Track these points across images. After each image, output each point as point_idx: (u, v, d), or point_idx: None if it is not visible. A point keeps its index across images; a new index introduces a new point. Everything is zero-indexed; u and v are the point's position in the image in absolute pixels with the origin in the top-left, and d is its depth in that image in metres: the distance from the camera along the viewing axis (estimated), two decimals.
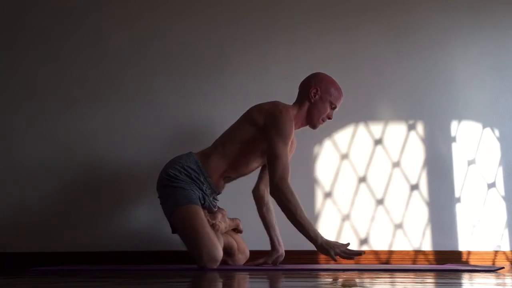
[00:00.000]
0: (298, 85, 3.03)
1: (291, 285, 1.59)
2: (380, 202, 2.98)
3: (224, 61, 3.11)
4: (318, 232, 2.41)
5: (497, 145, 3.04)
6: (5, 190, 2.98)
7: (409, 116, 3.06)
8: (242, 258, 2.66)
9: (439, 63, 3.11)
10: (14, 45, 3.13)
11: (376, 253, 2.91)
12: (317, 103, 2.58)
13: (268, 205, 2.69)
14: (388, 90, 3.09)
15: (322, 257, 2.87)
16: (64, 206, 2.96)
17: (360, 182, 3.00)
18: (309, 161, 3.01)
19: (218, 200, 2.65)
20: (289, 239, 2.87)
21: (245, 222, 2.77)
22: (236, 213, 2.76)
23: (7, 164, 3.01)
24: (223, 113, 3.05)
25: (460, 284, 1.65)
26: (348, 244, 2.39)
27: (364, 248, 2.92)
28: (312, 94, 2.57)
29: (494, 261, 2.91)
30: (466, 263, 2.88)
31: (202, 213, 2.44)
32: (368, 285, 1.61)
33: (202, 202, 2.51)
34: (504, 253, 2.93)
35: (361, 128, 3.05)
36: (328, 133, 3.03)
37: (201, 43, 3.13)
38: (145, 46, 3.12)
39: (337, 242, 2.42)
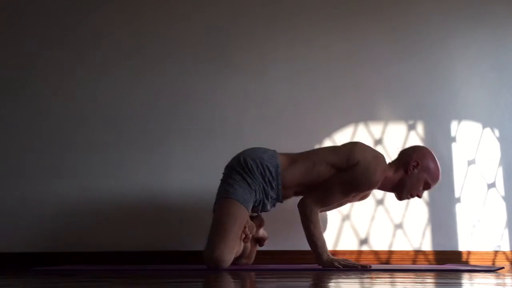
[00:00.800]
0: (299, 85, 3.05)
1: (291, 285, 1.59)
2: (380, 202, 2.98)
3: (224, 61, 3.11)
4: (327, 252, 2.43)
5: (497, 145, 3.04)
6: (5, 190, 2.98)
7: (409, 116, 3.06)
8: (245, 262, 2.66)
9: (439, 63, 3.12)
10: (14, 45, 3.12)
11: (376, 253, 2.91)
12: (413, 177, 2.49)
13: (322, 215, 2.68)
14: (388, 90, 3.09)
15: None
16: (64, 206, 2.96)
17: None
18: None
19: (274, 206, 2.61)
20: (289, 239, 2.88)
21: None
22: None
23: (7, 164, 3.01)
24: (223, 112, 3.05)
25: (460, 284, 1.65)
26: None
27: (364, 248, 2.92)
28: (411, 166, 2.48)
29: (494, 261, 2.91)
30: (466, 263, 2.88)
31: (244, 220, 2.42)
32: (368, 285, 1.61)
33: (256, 205, 2.49)
34: (504, 253, 2.93)
35: (361, 128, 3.05)
36: (328, 133, 3.03)
37: (201, 43, 3.13)
38: (144, 46, 3.12)
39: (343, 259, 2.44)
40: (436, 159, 2.53)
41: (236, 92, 3.08)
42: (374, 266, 2.46)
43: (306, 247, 2.71)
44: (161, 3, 3.17)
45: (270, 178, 2.47)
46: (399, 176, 2.51)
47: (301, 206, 2.47)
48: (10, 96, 3.08)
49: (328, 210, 2.72)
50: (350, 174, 2.43)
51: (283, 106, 3.06)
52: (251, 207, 2.45)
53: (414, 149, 2.56)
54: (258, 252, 2.83)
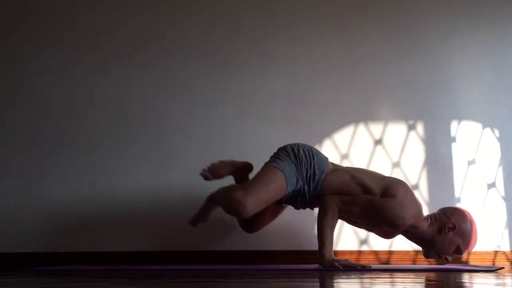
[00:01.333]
0: (299, 84, 3.05)
1: (291, 285, 1.59)
2: None
3: (223, 60, 3.11)
4: (331, 253, 2.40)
5: (497, 145, 3.04)
6: (5, 190, 2.98)
7: (409, 116, 3.06)
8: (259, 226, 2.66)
9: (438, 62, 3.11)
10: (13, 44, 3.13)
11: (376, 253, 2.90)
12: (446, 239, 2.42)
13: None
14: (388, 90, 3.09)
15: None
16: (65, 206, 2.96)
17: None
18: None
19: (303, 209, 2.58)
20: (289, 239, 2.88)
21: None
22: None
23: (7, 164, 3.01)
24: (223, 112, 3.05)
25: (460, 284, 1.65)
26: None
27: (364, 248, 2.92)
28: (446, 228, 2.41)
29: (494, 261, 2.91)
30: (466, 263, 2.88)
31: (280, 194, 2.41)
32: (368, 285, 1.61)
33: (294, 195, 2.47)
34: (504, 253, 2.92)
35: (361, 128, 3.05)
36: (328, 133, 3.03)
37: (201, 42, 3.13)
38: (144, 44, 3.12)
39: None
40: (476, 226, 2.45)
41: (236, 90, 3.08)
42: (374, 266, 2.46)
43: (306, 247, 2.73)
44: (161, 1, 3.17)
45: (312, 178, 2.46)
46: (431, 232, 2.44)
47: (326, 202, 2.43)
48: (9, 96, 3.08)
49: (348, 221, 2.63)
50: (381, 202, 2.39)
51: (283, 105, 3.06)
52: (291, 189, 2.43)
53: (455, 210, 2.48)
54: (258, 252, 2.84)
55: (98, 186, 2.98)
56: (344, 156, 3.02)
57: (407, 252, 2.91)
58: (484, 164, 3.02)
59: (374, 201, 2.41)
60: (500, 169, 3.02)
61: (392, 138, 3.04)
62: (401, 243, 2.92)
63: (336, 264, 2.35)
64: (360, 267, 2.33)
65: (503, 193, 2.99)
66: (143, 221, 2.93)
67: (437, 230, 2.43)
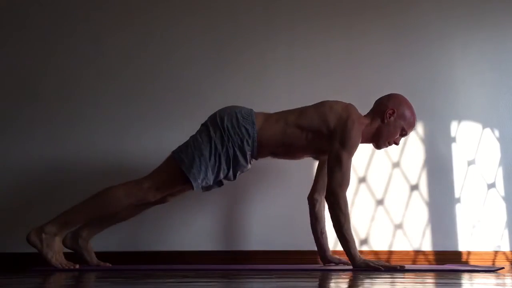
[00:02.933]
0: (299, 85, 3.04)
1: (291, 285, 1.59)
2: (380, 202, 2.98)
3: (223, 60, 3.11)
4: (358, 252, 2.37)
5: (497, 146, 3.04)
6: (5, 190, 2.98)
7: None
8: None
9: (438, 63, 3.11)
10: (13, 44, 3.13)
11: (376, 253, 2.90)
12: (390, 125, 2.49)
13: (318, 214, 2.63)
14: (388, 90, 3.07)
15: None
16: (65, 206, 2.95)
17: (360, 182, 3.00)
18: (309, 161, 3.01)
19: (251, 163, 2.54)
20: (289, 239, 2.88)
21: (251, 220, 2.76)
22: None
23: (7, 164, 3.01)
24: None
25: (460, 284, 1.65)
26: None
27: (364, 248, 2.92)
28: (387, 114, 2.48)
29: (494, 261, 2.91)
30: (466, 263, 2.88)
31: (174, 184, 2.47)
32: (368, 285, 1.61)
33: (222, 176, 2.46)
34: (504, 253, 2.93)
35: None
36: None
37: (201, 42, 3.13)
38: (144, 45, 3.12)
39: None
40: (412, 105, 2.52)
41: (236, 91, 3.08)
42: (406, 267, 2.40)
43: (306, 247, 2.72)
44: (161, 2, 3.17)
45: (247, 137, 2.44)
46: (376, 126, 2.51)
47: (330, 196, 2.38)
48: (11, 96, 3.09)
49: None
50: (336, 134, 2.41)
51: (283, 105, 3.05)
52: (199, 185, 2.42)
53: (389, 97, 2.54)
54: (258, 252, 2.84)
55: (98, 186, 2.98)
56: None
57: (407, 252, 2.92)
58: (484, 164, 3.02)
59: (342, 139, 2.40)
60: (500, 169, 3.02)
61: None
62: (401, 243, 2.93)
63: (372, 265, 2.29)
64: (399, 267, 2.30)
65: (503, 193, 2.99)
66: (143, 221, 2.93)
67: (380, 121, 2.50)
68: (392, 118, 2.49)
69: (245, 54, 3.12)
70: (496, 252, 2.93)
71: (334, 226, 2.37)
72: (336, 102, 2.51)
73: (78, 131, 3.04)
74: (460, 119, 3.06)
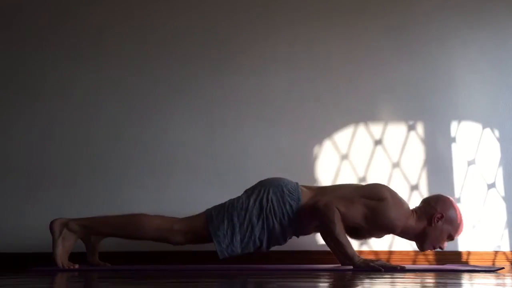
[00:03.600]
0: (298, 84, 3.04)
1: (291, 285, 1.59)
2: None
3: (223, 59, 3.11)
4: (356, 252, 2.37)
5: (497, 146, 3.04)
6: (6, 190, 2.98)
7: (409, 117, 3.06)
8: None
9: (438, 62, 3.11)
10: (12, 43, 3.13)
11: (376, 253, 2.90)
12: (437, 229, 2.43)
13: None
14: (388, 90, 3.09)
15: (321, 257, 2.86)
16: (65, 206, 2.96)
17: (360, 182, 2.99)
18: (309, 161, 3.01)
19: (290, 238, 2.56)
20: (289, 239, 2.88)
21: None
22: None
23: (7, 164, 3.01)
24: (223, 111, 3.05)
25: (460, 284, 1.65)
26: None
27: (364, 248, 2.92)
28: (435, 219, 2.42)
29: (494, 261, 2.91)
30: (466, 263, 2.88)
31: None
32: (368, 285, 1.61)
33: (252, 248, 2.46)
34: (504, 253, 2.92)
35: (361, 128, 3.05)
36: (328, 134, 3.03)
37: (200, 41, 3.13)
38: (143, 44, 3.12)
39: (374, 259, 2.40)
40: (459, 209, 2.48)
41: (236, 91, 3.08)
42: (407, 267, 2.41)
43: (306, 247, 2.72)
44: (161, 3, 3.17)
45: (288, 218, 2.42)
46: (421, 226, 2.45)
47: (321, 205, 2.36)
48: (11, 97, 3.09)
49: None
50: (376, 205, 2.38)
51: (283, 105, 3.06)
52: (220, 248, 2.42)
53: (437, 200, 2.49)
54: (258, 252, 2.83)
55: (99, 187, 2.98)
56: (344, 157, 3.02)
57: (407, 252, 2.91)
58: (484, 164, 3.02)
59: (370, 205, 2.38)
60: (500, 169, 3.02)
61: (392, 138, 3.03)
62: (401, 243, 2.92)
63: (372, 264, 2.28)
64: (399, 268, 2.30)
65: (503, 193, 2.99)
66: None
67: (426, 223, 2.45)
68: (440, 222, 2.43)
69: (244, 53, 3.11)
70: (496, 252, 2.93)
71: (325, 236, 2.41)
72: (394, 202, 2.42)
73: (78, 130, 3.04)
74: (460, 119, 3.05)
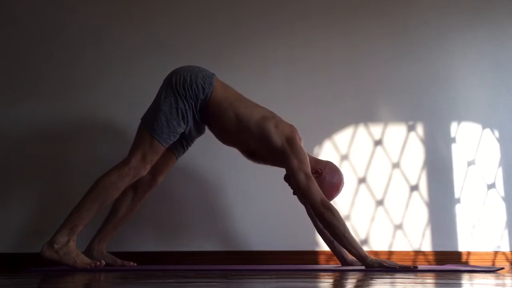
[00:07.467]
0: (298, 84, 3.04)
1: (291, 285, 1.59)
2: (380, 202, 2.98)
3: (223, 61, 3.11)
4: (365, 252, 2.36)
5: (496, 146, 3.04)
6: (6, 190, 2.98)
7: (408, 117, 3.06)
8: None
9: (438, 63, 3.11)
10: (12, 42, 3.13)
11: (376, 253, 2.90)
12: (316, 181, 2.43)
13: (321, 227, 2.56)
14: (388, 91, 3.09)
15: (321, 257, 2.87)
16: (65, 206, 2.95)
17: (360, 183, 3.00)
18: None
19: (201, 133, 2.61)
20: (289, 239, 2.88)
21: (242, 220, 2.76)
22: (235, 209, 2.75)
23: (7, 164, 3.01)
24: None
25: (460, 284, 1.65)
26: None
27: (364, 248, 2.91)
28: (314, 170, 2.46)
29: (494, 261, 2.91)
30: (466, 263, 2.88)
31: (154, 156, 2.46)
32: (368, 285, 1.61)
33: (185, 126, 2.48)
34: (504, 253, 2.93)
35: (361, 129, 3.05)
36: (328, 134, 3.03)
37: (201, 44, 3.13)
38: (144, 46, 3.12)
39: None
40: (339, 189, 2.52)
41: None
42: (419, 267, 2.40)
43: (306, 247, 2.72)
44: (161, 3, 3.18)
45: (201, 95, 2.49)
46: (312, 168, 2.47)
47: (318, 211, 2.34)
48: (12, 96, 3.09)
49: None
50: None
51: (283, 107, 3.05)
52: (171, 139, 2.46)
53: (331, 165, 2.54)
54: (258, 252, 2.84)
55: None
56: (344, 157, 3.02)
57: (407, 252, 2.92)
58: (484, 164, 3.02)
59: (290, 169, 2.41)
60: (500, 170, 3.02)
61: (392, 139, 3.04)
62: (401, 244, 2.93)
63: (386, 264, 2.28)
64: (413, 267, 2.30)
65: (503, 194, 2.99)
66: (143, 222, 2.93)
67: (311, 170, 2.45)
68: (315, 175, 2.46)
69: (245, 55, 3.11)
70: (496, 253, 2.93)
71: (335, 236, 2.36)
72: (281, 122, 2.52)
73: (78, 131, 3.04)
74: (460, 119, 3.06)
